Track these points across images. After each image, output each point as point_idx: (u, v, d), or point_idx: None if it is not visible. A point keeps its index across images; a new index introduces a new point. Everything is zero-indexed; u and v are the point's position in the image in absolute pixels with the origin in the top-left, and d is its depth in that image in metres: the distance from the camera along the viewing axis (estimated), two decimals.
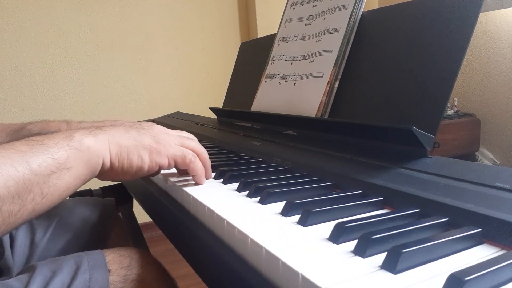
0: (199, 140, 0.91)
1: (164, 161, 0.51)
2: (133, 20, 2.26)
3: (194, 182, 0.55)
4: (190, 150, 0.54)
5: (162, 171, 0.60)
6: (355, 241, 0.32)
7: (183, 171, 0.59)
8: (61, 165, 0.41)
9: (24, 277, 0.49)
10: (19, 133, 0.74)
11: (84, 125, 0.80)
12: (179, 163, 0.52)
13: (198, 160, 0.54)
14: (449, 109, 2.02)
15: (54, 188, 0.40)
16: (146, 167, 0.49)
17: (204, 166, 0.55)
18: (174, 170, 0.61)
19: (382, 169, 0.47)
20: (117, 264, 0.54)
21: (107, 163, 0.47)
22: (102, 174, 0.48)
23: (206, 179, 0.57)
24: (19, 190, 0.37)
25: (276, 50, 0.88)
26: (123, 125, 0.53)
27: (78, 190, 1.02)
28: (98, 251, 0.56)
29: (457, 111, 2.03)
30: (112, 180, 0.51)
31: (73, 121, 0.83)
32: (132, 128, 0.51)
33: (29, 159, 0.39)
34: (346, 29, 0.69)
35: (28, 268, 0.51)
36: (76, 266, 0.51)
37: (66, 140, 0.43)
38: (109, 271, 0.52)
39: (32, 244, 0.73)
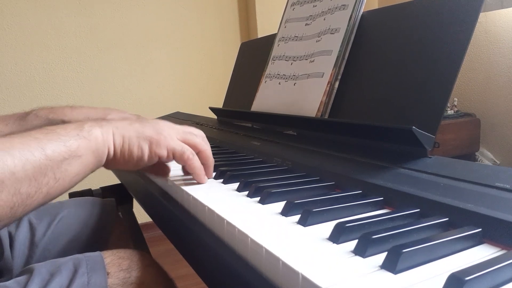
0: None
1: (163, 153, 0.52)
2: (133, 20, 2.26)
3: (194, 182, 0.55)
4: (192, 145, 0.54)
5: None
6: (355, 241, 0.32)
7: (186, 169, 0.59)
8: (72, 152, 0.44)
9: (22, 279, 0.49)
10: (26, 118, 0.75)
11: (85, 110, 0.82)
12: (177, 157, 0.53)
13: (196, 158, 0.54)
14: (449, 109, 2.02)
15: (66, 173, 0.44)
16: (146, 157, 0.51)
17: (206, 164, 0.55)
18: (175, 171, 0.61)
19: (382, 169, 0.47)
20: (116, 267, 0.54)
21: (111, 153, 0.50)
22: (108, 163, 0.51)
23: (207, 177, 0.57)
24: (36, 174, 0.40)
25: (276, 50, 0.88)
26: (130, 118, 0.54)
27: (78, 190, 1.02)
28: (97, 253, 0.55)
29: (457, 111, 2.03)
30: (117, 169, 0.54)
31: (76, 106, 0.84)
32: (136, 121, 0.53)
33: (44, 146, 0.42)
34: (346, 29, 0.69)
35: (26, 270, 0.51)
36: (74, 269, 0.51)
37: (76, 130, 0.46)
38: (107, 274, 0.52)
39: (32, 245, 0.73)
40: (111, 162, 0.51)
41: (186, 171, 0.59)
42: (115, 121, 0.52)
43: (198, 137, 0.56)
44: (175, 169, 0.61)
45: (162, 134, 0.52)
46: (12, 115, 0.75)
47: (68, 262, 0.52)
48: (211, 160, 0.56)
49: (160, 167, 0.58)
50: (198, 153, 0.54)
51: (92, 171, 0.49)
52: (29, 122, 0.74)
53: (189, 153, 0.53)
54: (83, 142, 0.46)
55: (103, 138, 0.48)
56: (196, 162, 0.53)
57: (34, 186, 0.40)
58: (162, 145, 0.51)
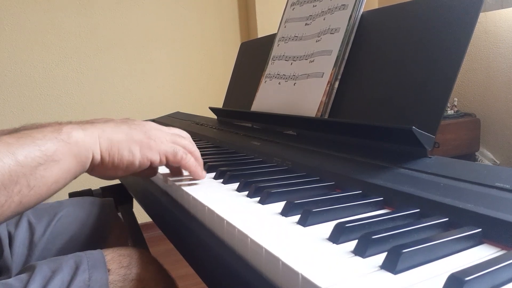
0: (198, 140, 0.91)
1: (156, 157, 0.50)
2: (133, 20, 2.26)
3: (194, 181, 0.55)
4: (181, 147, 0.53)
5: (161, 171, 0.60)
6: (355, 241, 0.32)
7: (175, 170, 0.58)
8: (48, 157, 0.41)
9: (23, 276, 0.49)
10: None
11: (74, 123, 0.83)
12: (170, 159, 0.51)
13: (189, 156, 0.53)
14: (449, 109, 2.02)
15: (42, 181, 0.40)
16: (137, 162, 0.49)
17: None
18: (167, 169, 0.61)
19: (382, 169, 0.47)
20: (117, 264, 0.54)
21: (97, 158, 0.46)
22: (93, 169, 0.47)
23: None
24: (5, 181, 0.37)
25: (276, 50, 0.88)
26: (114, 120, 0.52)
27: (78, 190, 1.02)
28: (98, 250, 0.56)
29: (457, 111, 2.03)
30: (103, 177, 0.50)
31: (63, 122, 0.86)
32: (123, 123, 0.51)
33: (16, 151, 0.38)
34: (346, 29, 0.69)
35: (28, 268, 0.51)
36: (75, 266, 0.51)
37: (54, 133, 0.43)
38: (108, 271, 0.52)
39: (31, 244, 0.73)
40: (98, 168, 0.47)
41: (173, 171, 0.58)
42: (100, 123, 0.49)
43: (186, 139, 0.55)
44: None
45: (152, 138, 0.50)
46: (1, 131, 0.75)
47: (69, 259, 0.52)
48: (200, 162, 0.55)
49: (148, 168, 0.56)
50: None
51: (75, 177, 0.45)
52: None
53: (182, 152, 0.52)
54: (61, 146, 0.42)
55: (85, 141, 0.45)
56: (190, 160, 0.53)
57: (4, 195, 0.37)
58: (153, 149, 0.49)
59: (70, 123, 0.84)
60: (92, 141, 0.46)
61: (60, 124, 0.84)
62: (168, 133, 0.53)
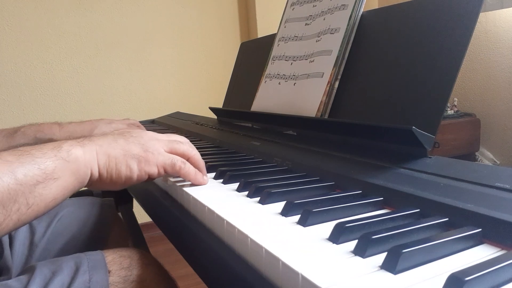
0: (199, 140, 0.91)
1: (154, 170, 0.50)
2: (133, 20, 2.26)
3: None
4: (180, 154, 0.53)
5: None
6: (355, 241, 0.32)
7: None
8: (48, 175, 0.41)
9: (23, 277, 0.49)
10: (14, 136, 0.75)
11: (72, 127, 0.81)
12: (168, 171, 0.51)
13: (188, 165, 0.53)
14: (449, 109, 2.02)
15: (40, 199, 0.40)
16: (135, 176, 0.49)
17: (198, 167, 0.54)
18: None
19: (382, 169, 0.47)
20: (117, 265, 0.54)
21: (96, 174, 0.47)
22: (91, 184, 0.48)
23: None
24: (4, 200, 0.37)
25: (276, 50, 0.88)
26: (112, 133, 0.52)
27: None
28: (98, 251, 0.55)
29: (457, 111, 2.03)
30: (101, 190, 0.50)
31: (64, 122, 0.85)
32: (120, 136, 0.51)
33: (15, 169, 0.38)
34: (346, 29, 0.69)
35: (28, 269, 0.51)
36: (75, 267, 0.51)
37: (54, 151, 0.43)
38: (109, 272, 0.52)
39: (31, 244, 0.73)
40: (96, 183, 0.48)
41: None
42: (98, 138, 0.49)
43: (184, 144, 0.55)
44: None
45: (149, 151, 0.50)
46: (0, 131, 0.75)
47: (69, 260, 0.52)
48: (202, 164, 0.55)
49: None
50: (188, 159, 0.54)
51: (73, 192, 0.45)
52: (16, 141, 0.73)
53: (180, 162, 0.52)
54: (60, 164, 0.42)
55: (84, 158, 0.45)
56: (189, 168, 0.52)
57: (2, 213, 0.37)
58: (151, 162, 0.49)
59: (70, 123, 0.84)
60: (91, 158, 0.46)
61: (60, 124, 0.83)
62: (165, 141, 0.53)
